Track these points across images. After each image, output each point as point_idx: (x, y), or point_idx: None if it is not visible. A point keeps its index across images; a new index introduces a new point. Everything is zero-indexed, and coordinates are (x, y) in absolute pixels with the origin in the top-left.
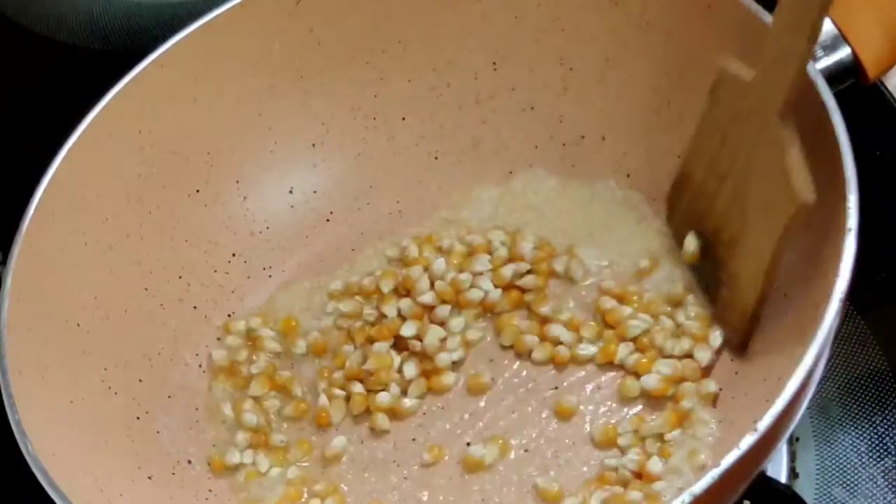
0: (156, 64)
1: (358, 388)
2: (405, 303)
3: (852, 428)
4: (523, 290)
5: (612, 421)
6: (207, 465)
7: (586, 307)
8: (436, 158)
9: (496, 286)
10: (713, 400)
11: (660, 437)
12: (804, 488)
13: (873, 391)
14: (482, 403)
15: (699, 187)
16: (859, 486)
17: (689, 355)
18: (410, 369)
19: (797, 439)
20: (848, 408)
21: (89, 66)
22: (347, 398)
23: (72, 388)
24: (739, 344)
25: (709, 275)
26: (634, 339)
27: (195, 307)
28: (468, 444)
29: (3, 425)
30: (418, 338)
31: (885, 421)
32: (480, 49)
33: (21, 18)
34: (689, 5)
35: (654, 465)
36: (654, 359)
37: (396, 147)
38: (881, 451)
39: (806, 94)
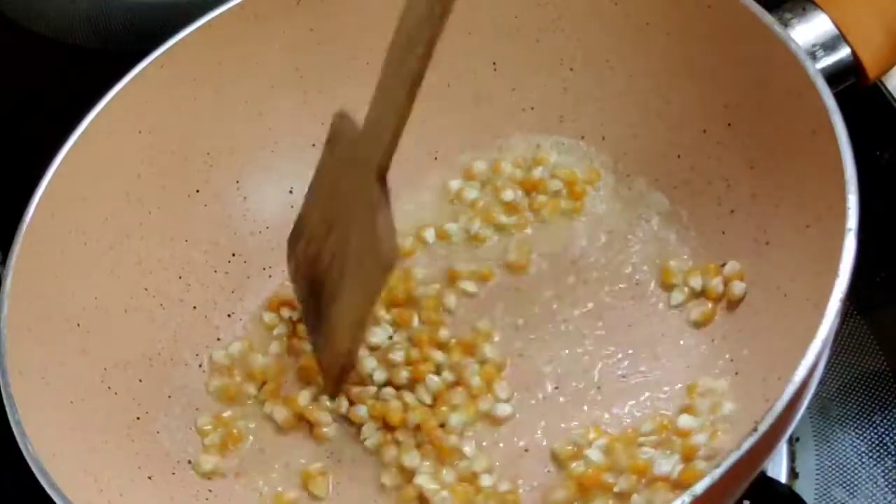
0: (156, 64)
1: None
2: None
3: (852, 428)
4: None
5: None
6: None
7: None
8: (435, 159)
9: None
10: None
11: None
12: (804, 488)
13: (873, 391)
14: None
15: (312, 232)
16: (859, 486)
17: None
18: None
19: (797, 439)
20: (848, 408)
21: (89, 66)
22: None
23: (72, 388)
24: (332, 390)
25: (315, 322)
26: None
27: (195, 307)
28: None
29: (3, 425)
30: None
31: (885, 421)
32: (480, 49)
33: (21, 18)
34: (689, 5)
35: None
36: None
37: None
38: (881, 451)
39: (806, 94)
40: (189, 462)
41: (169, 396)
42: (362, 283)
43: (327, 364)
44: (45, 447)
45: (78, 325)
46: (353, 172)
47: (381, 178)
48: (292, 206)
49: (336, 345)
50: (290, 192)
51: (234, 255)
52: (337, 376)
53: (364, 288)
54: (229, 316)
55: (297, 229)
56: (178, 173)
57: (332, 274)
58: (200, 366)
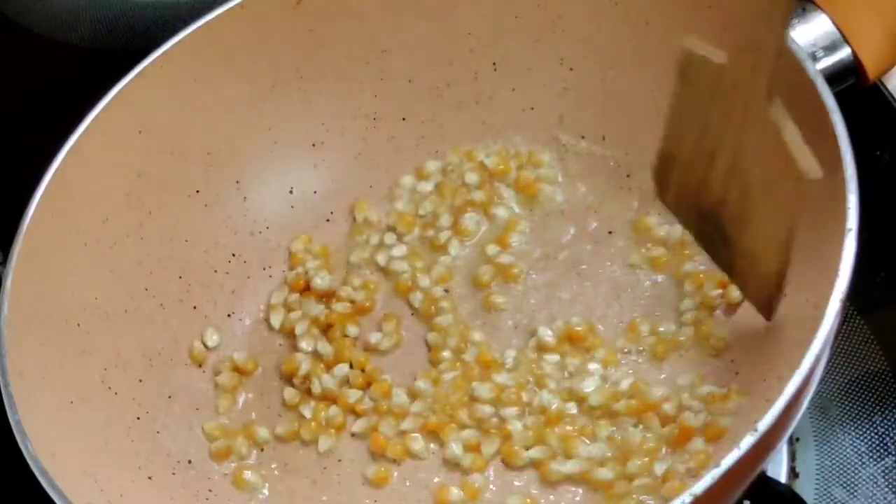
0: (156, 64)
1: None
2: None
3: (852, 428)
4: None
5: None
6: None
7: None
8: (435, 158)
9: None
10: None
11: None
12: (804, 488)
13: (873, 391)
14: None
15: (687, 166)
16: (859, 486)
17: None
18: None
19: (797, 439)
20: (848, 408)
21: (89, 66)
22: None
23: (72, 389)
24: (765, 311)
25: (714, 242)
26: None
27: (195, 307)
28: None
29: (3, 425)
30: None
31: (885, 421)
32: (480, 49)
33: (21, 18)
34: (689, 5)
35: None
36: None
37: (396, 147)
38: (881, 451)
39: (806, 94)
40: (189, 462)
41: (169, 396)
42: (779, 202)
43: (754, 289)
44: (45, 447)
45: (78, 325)
46: (729, 99)
47: (772, 97)
48: (292, 207)
49: (762, 267)
50: (291, 192)
51: (234, 255)
52: (769, 299)
53: (783, 207)
54: (229, 316)
55: (665, 163)
56: (178, 173)
57: (731, 198)
58: (200, 366)
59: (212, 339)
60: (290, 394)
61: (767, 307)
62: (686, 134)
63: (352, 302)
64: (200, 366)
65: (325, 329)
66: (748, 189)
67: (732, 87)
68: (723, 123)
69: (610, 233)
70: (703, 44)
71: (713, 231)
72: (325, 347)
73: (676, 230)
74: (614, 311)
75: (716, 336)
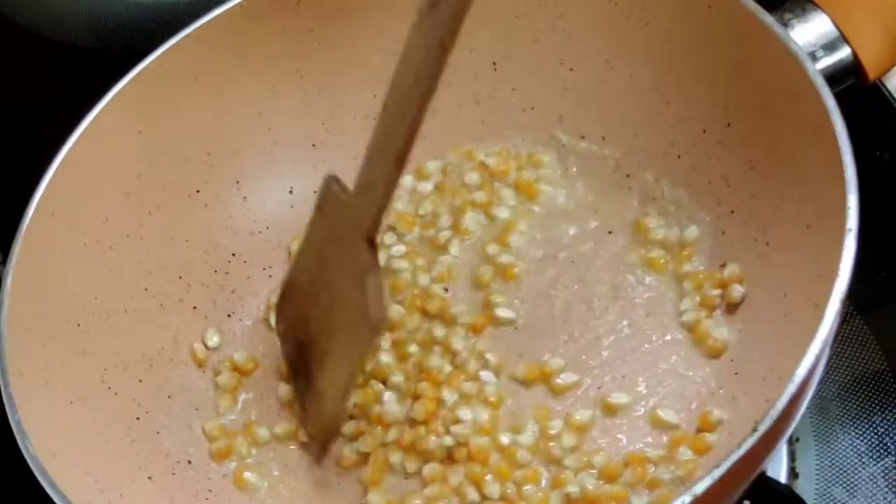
0: (156, 64)
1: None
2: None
3: (852, 428)
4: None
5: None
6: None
7: None
8: (435, 158)
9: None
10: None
11: None
12: (804, 488)
13: (873, 391)
14: None
15: (300, 295)
16: (859, 486)
17: None
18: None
19: (797, 439)
20: (848, 408)
21: (89, 66)
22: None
23: (72, 389)
24: (318, 454)
25: (302, 386)
26: None
27: (195, 307)
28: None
29: (3, 425)
30: None
31: (885, 421)
32: (480, 49)
33: (21, 18)
34: (689, 5)
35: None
36: None
37: None
38: (881, 451)
39: (806, 94)
40: (189, 462)
41: (169, 396)
42: (349, 347)
43: (313, 428)
44: (45, 447)
45: (78, 325)
46: (342, 237)
47: (370, 242)
48: (292, 206)
49: (323, 409)
50: (290, 192)
51: (234, 255)
52: (323, 441)
53: (351, 352)
54: (229, 316)
55: (286, 292)
56: (178, 173)
57: (320, 338)
58: (200, 366)
59: (212, 339)
60: (284, 390)
61: (321, 447)
62: (308, 265)
63: None
64: (200, 366)
65: None
66: (333, 329)
67: (348, 225)
68: (332, 260)
69: (610, 233)
70: (338, 183)
71: (302, 370)
72: None
73: (675, 231)
74: (614, 311)
75: (714, 337)
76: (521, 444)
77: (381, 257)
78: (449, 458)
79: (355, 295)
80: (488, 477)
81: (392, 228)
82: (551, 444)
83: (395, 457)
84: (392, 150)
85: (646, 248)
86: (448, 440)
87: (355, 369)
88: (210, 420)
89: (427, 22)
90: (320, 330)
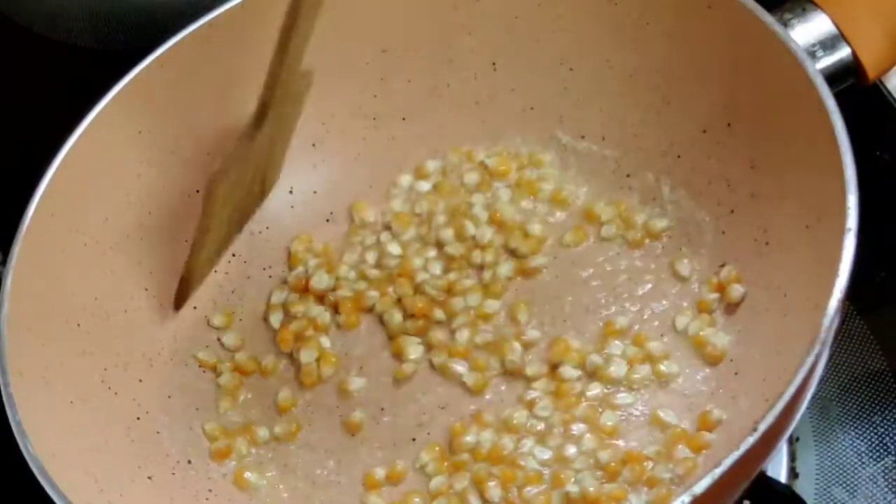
0: (156, 64)
1: None
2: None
3: (852, 428)
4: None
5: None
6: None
7: None
8: (435, 159)
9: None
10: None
11: None
12: (804, 488)
13: (873, 391)
14: None
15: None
16: (859, 486)
17: None
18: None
19: (797, 439)
20: (848, 408)
21: (89, 66)
22: None
23: (72, 389)
24: (181, 295)
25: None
26: None
27: (195, 307)
28: None
29: (3, 425)
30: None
31: (885, 421)
32: (480, 49)
33: (21, 18)
34: (689, 5)
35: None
36: None
37: (396, 147)
38: (881, 451)
39: (806, 94)
40: (189, 462)
41: (169, 396)
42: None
43: (185, 273)
44: (45, 447)
45: (78, 325)
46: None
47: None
48: (292, 207)
49: (200, 256)
50: (290, 192)
51: (234, 255)
52: (188, 284)
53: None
54: (229, 316)
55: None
56: (178, 173)
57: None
58: (200, 366)
59: (212, 339)
60: (284, 391)
61: (184, 291)
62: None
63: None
64: (201, 366)
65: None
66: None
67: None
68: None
69: (609, 232)
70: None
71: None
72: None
73: (675, 232)
74: (613, 312)
75: (712, 344)
76: (526, 450)
77: (378, 255)
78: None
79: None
80: (492, 483)
81: (388, 227)
82: (552, 443)
83: None
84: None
85: (646, 247)
86: None
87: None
88: (210, 420)
89: None
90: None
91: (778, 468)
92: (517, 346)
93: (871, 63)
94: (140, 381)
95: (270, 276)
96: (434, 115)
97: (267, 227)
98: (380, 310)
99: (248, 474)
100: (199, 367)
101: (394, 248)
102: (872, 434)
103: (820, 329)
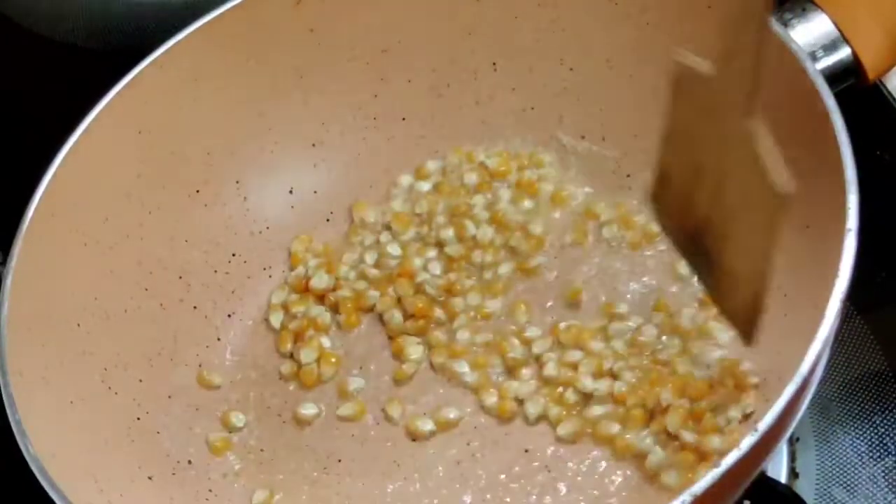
0: (156, 64)
1: None
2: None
3: (852, 428)
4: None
5: None
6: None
7: None
8: (435, 159)
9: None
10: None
11: None
12: (804, 488)
13: (873, 391)
14: None
15: (679, 184)
16: (859, 486)
17: None
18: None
19: (797, 439)
20: (848, 408)
21: (89, 66)
22: None
23: (72, 388)
24: (746, 335)
25: (702, 267)
26: None
27: (195, 307)
28: None
29: (3, 425)
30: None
31: (885, 421)
32: (480, 49)
33: (21, 18)
34: (689, 5)
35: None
36: None
37: (396, 147)
38: (881, 451)
39: (806, 94)
40: (189, 462)
41: (169, 396)
42: (757, 221)
43: (735, 312)
44: (45, 447)
45: (78, 325)
46: (713, 112)
47: (751, 109)
48: (292, 207)
49: (742, 289)
50: (290, 192)
51: (234, 255)
52: (749, 322)
53: (762, 225)
54: (229, 316)
55: (662, 182)
56: (178, 173)
57: (714, 217)
58: (200, 366)
59: (213, 339)
60: (284, 391)
61: (748, 331)
62: (678, 152)
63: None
64: (201, 366)
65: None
66: (729, 206)
67: (716, 99)
68: (707, 139)
69: (609, 233)
70: (691, 55)
71: (700, 253)
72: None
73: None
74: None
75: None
76: None
77: (378, 255)
78: None
79: (746, 168)
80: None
81: (388, 227)
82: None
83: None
84: (755, 14)
85: (646, 248)
86: None
87: (770, 244)
88: (210, 421)
89: None
90: (712, 212)
91: (778, 468)
92: (516, 341)
93: (872, 63)
94: (140, 381)
95: (270, 276)
96: (434, 115)
97: (267, 227)
98: (380, 310)
99: (247, 474)
100: (199, 367)
101: (394, 249)
102: (873, 434)
103: (820, 329)
